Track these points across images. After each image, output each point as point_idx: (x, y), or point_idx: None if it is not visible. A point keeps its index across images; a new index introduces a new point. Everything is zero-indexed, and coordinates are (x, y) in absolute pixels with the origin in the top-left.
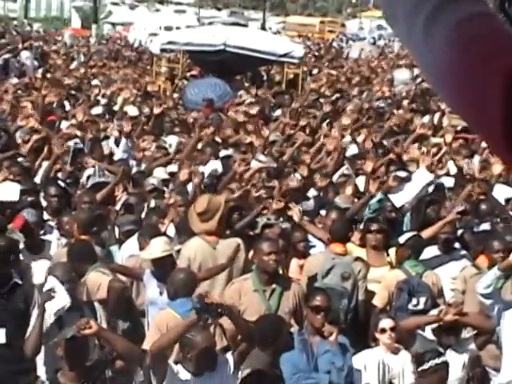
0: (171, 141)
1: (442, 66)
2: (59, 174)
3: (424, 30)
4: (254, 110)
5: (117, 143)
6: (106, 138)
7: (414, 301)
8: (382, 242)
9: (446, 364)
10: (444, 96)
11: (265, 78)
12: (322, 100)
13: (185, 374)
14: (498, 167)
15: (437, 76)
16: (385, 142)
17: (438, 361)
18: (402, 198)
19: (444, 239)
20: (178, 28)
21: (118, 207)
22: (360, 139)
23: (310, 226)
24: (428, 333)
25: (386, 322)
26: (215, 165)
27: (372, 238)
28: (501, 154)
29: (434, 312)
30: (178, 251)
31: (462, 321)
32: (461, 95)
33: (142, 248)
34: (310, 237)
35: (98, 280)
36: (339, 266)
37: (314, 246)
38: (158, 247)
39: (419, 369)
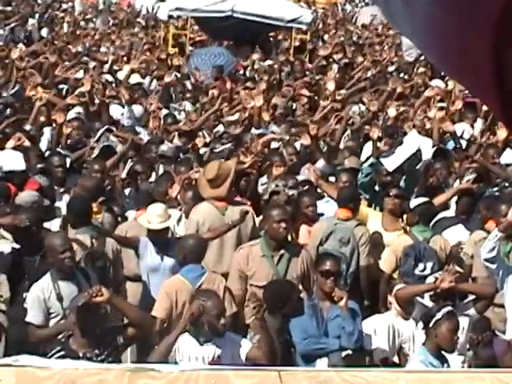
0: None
1: (427, 26)
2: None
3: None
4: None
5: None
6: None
7: (421, 266)
8: (399, 207)
9: (454, 313)
10: (433, 58)
11: (273, 44)
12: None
13: (192, 342)
14: (503, 132)
15: (422, 36)
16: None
17: (446, 310)
18: (394, 161)
19: (462, 204)
20: None
21: (123, 175)
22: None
23: (328, 186)
24: (426, 299)
25: (401, 287)
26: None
27: (390, 202)
28: (492, 101)
29: (432, 278)
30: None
31: (459, 288)
32: (451, 52)
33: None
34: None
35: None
36: (339, 231)
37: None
38: (157, 216)
39: (430, 324)
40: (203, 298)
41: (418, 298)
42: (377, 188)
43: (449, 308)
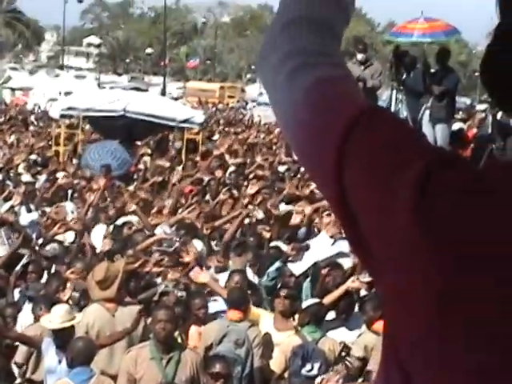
0: (69, 208)
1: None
2: None
3: (285, 88)
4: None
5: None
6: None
7: (308, 366)
8: (289, 307)
9: None
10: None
11: (170, 143)
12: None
13: None
14: None
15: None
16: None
17: None
18: (301, 266)
19: (342, 304)
20: None
21: (17, 268)
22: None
23: (217, 286)
24: None
25: None
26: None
27: (280, 303)
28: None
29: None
30: None
31: None
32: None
33: (36, 315)
34: None
35: None
36: (233, 333)
37: None
38: (58, 316)
39: None
40: None
41: None
42: None
43: None
